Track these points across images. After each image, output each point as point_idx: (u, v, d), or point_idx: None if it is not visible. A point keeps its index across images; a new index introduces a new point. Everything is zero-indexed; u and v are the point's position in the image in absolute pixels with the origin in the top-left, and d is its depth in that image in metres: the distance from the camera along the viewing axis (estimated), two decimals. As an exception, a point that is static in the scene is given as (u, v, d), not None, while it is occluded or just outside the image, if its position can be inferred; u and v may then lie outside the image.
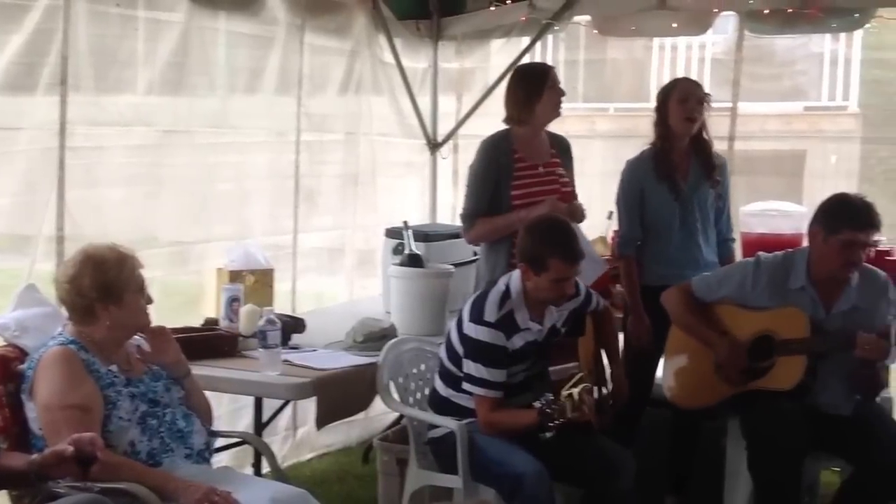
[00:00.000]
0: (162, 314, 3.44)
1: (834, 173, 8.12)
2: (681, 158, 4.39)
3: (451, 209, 6.15)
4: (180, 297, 4.78)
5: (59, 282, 3.16)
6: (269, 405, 4.21)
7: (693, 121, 4.32)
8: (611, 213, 4.71)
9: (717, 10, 5.61)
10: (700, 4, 5.56)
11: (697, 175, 4.40)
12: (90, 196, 4.23)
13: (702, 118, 4.35)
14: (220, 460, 3.78)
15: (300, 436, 5.33)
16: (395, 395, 3.92)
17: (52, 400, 2.99)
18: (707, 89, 4.47)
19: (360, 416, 5.02)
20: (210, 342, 3.95)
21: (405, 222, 4.68)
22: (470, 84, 6.48)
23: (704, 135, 4.42)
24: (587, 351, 3.90)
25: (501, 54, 6.21)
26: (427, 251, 4.68)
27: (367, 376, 3.89)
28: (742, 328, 3.91)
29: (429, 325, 4.33)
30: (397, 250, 4.73)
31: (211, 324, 4.24)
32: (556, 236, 3.60)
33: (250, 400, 4.22)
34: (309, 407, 4.39)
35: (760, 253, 4.02)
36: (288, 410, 4.94)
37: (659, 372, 4.28)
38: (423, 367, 4.05)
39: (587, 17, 6.02)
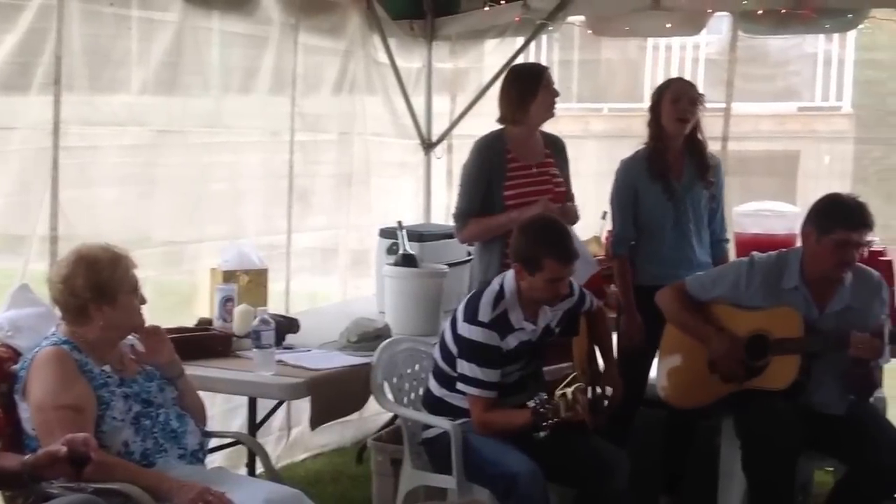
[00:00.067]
0: (156, 314, 3.44)
1: (827, 174, 8.15)
2: (675, 159, 4.40)
3: (445, 209, 6.15)
4: (174, 297, 4.77)
5: (53, 282, 3.15)
6: (263, 405, 4.21)
7: (685, 121, 4.33)
8: (605, 213, 4.72)
9: (710, 11, 5.62)
10: (694, 5, 5.56)
11: (691, 175, 4.41)
12: (84, 196, 4.22)
13: (695, 118, 4.36)
14: (213, 461, 3.78)
15: (294, 436, 5.33)
16: (390, 396, 3.92)
17: (46, 400, 2.98)
18: (701, 90, 4.48)
19: (355, 416, 5.01)
20: (204, 342, 3.94)
21: (399, 222, 4.68)
22: (464, 84, 6.48)
23: (699, 135, 4.43)
24: (581, 351, 3.90)
25: (495, 54, 6.21)
26: (421, 251, 4.68)
27: (361, 376, 3.88)
28: (736, 327, 3.91)
29: (423, 325, 4.33)
30: (391, 250, 4.73)
31: (205, 324, 4.23)
32: (550, 236, 3.60)
33: (244, 400, 4.22)
34: (303, 407, 4.38)
35: (754, 253, 4.03)
36: (282, 411, 4.94)
37: (653, 372, 4.28)
38: (417, 367, 4.05)
39: (581, 18, 6.02)
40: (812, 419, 3.74)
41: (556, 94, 4.31)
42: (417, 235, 4.82)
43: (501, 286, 3.65)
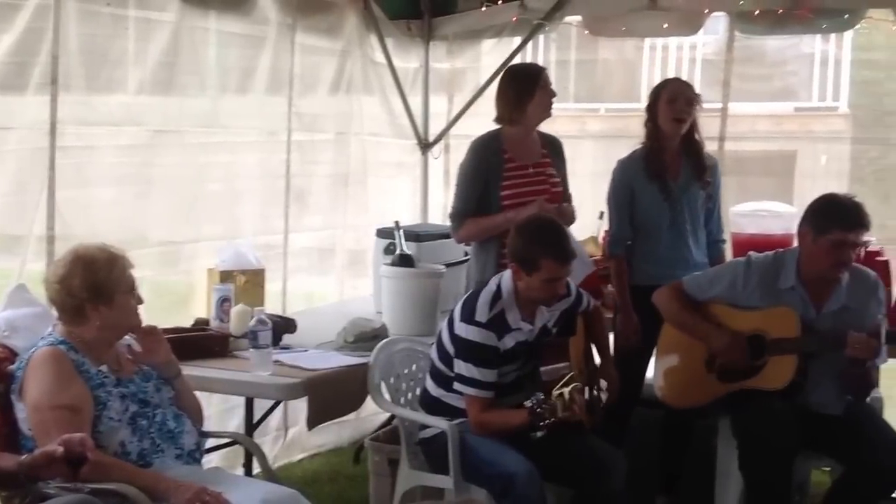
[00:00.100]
0: (152, 314, 3.44)
1: (824, 174, 8.14)
2: (672, 159, 4.40)
3: (442, 209, 6.15)
4: (171, 297, 4.77)
5: (49, 282, 3.14)
6: (260, 405, 4.21)
7: (681, 121, 4.33)
8: (602, 213, 4.72)
9: (707, 11, 5.61)
10: (691, 5, 5.56)
11: (688, 175, 4.41)
12: (80, 196, 4.22)
13: (691, 119, 4.36)
14: (210, 461, 3.78)
15: (291, 436, 5.33)
16: (387, 396, 3.92)
17: (42, 400, 2.98)
18: (698, 90, 4.48)
19: (352, 416, 5.02)
20: (201, 342, 3.94)
21: (396, 222, 4.69)
22: (461, 84, 6.48)
23: (696, 135, 4.43)
24: (578, 351, 3.91)
25: (493, 54, 6.21)
26: (418, 251, 4.68)
27: (358, 376, 3.88)
28: (733, 327, 3.92)
29: (420, 325, 4.33)
30: (388, 250, 4.73)
31: (201, 324, 4.23)
32: (547, 236, 3.60)
33: (241, 400, 4.22)
34: (300, 407, 4.38)
35: (751, 253, 4.03)
36: (279, 411, 4.93)
37: (650, 372, 4.28)
38: (414, 367, 4.05)
39: (578, 18, 6.02)
40: (809, 419, 3.75)
41: (553, 94, 4.31)
42: (414, 235, 4.82)
43: (499, 286, 3.65)
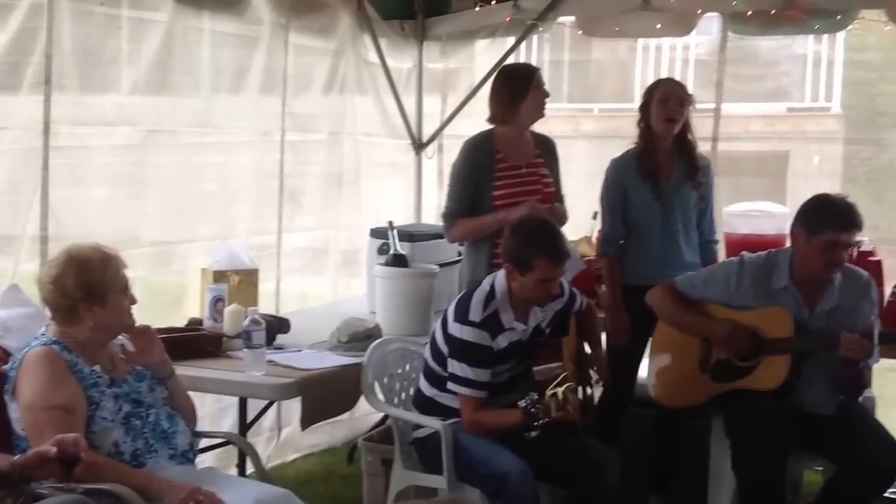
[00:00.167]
0: (146, 314, 3.43)
1: (817, 174, 8.16)
2: (665, 159, 4.41)
3: (435, 209, 6.14)
4: (164, 297, 4.77)
5: (43, 282, 3.14)
6: (254, 405, 4.21)
7: (673, 121, 4.34)
8: (595, 213, 4.73)
9: (700, 12, 5.63)
10: (683, 5, 5.58)
11: (680, 176, 4.42)
12: (74, 196, 4.22)
13: (683, 119, 4.37)
14: (204, 461, 3.78)
15: (285, 436, 5.33)
16: (380, 396, 3.92)
17: (35, 400, 2.97)
18: (691, 90, 4.50)
19: (345, 416, 5.01)
20: (194, 342, 3.94)
21: (390, 222, 4.68)
22: (455, 84, 6.48)
23: (689, 136, 4.44)
24: (571, 350, 3.91)
25: (486, 55, 6.22)
26: (412, 251, 4.68)
27: (351, 376, 3.89)
28: (727, 327, 3.93)
29: (414, 325, 4.34)
30: (382, 250, 4.73)
31: (195, 324, 4.23)
32: (541, 236, 3.60)
33: (234, 400, 4.22)
34: (293, 407, 4.38)
35: (744, 253, 4.04)
36: (272, 411, 4.93)
37: (644, 371, 4.29)
38: (407, 367, 4.05)
39: (571, 18, 6.03)
40: (802, 419, 3.76)
41: (546, 94, 4.32)
42: (408, 235, 4.83)
43: (492, 286, 3.66)
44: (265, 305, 4.66)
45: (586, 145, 6.94)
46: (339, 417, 4.83)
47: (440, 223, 4.48)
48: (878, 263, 4.56)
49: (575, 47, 7.11)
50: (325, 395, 3.84)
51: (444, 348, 3.65)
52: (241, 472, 4.03)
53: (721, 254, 4.72)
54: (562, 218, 4.28)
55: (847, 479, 3.74)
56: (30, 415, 2.97)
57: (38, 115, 3.99)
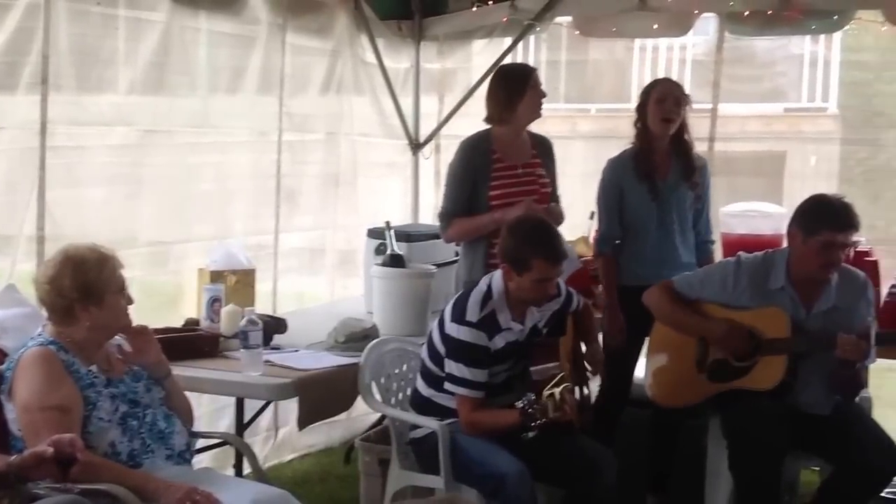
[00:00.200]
0: (142, 314, 3.43)
1: (814, 174, 8.16)
2: (661, 159, 4.41)
3: (433, 209, 6.14)
4: (161, 297, 4.76)
5: (39, 282, 3.14)
6: (251, 406, 4.21)
7: (670, 121, 4.35)
8: (592, 213, 4.73)
9: (697, 12, 5.63)
10: (680, 6, 5.58)
11: (677, 176, 4.43)
12: (71, 196, 4.22)
13: (680, 119, 4.37)
14: (200, 461, 3.78)
15: (282, 436, 5.33)
16: (377, 396, 3.92)
17: (32, 401, 2.97)
18: (688, 91, 4.50)
19: (342, 416, 5.01)
20: (191, 343, 3.94)
21: (387, 222, 4.69)
22: (452, 84, 6.48)
23: (686, 136, 4.44)
24: (568, 350, 3.91)
25: (483, 55, 6.21)
26: (409, 251, 4.68)
27: (348, 377, 3.88)
28: (723, 328, 3.93)
29: (411, 325, 4.34)
30: (379, 250, 4.73)
31: (192, 324, 4.22)
32: (538, 236, 3.60)
33: (231, 400, 4.22)
34: (290, 407, 4.38)
35: (741, 253, 4.04)
36: (269, 411, 4.93)
37: (641, 371, 4.29)
38: (405, 367, 4.05)
39: (568, 18, 6.04)
40: (798, 419, 3.76)
41: (543, 94, 4.32)
42: (405, 236, 4.83)
43: (489, 286, 3.66)
44: (262, 305, 4.66)
45: (583, 145, 6.93)
46: (336, 418, 4.83)
47: (437, 223, 4.48)
48: (875, 263, 4.57)
49: (572, 47, 7.11)
50: (322, 396, 3.84)
51: (441, 348, 3.65)
52: (238, 473, 4.04)
53: (718, 254, 4.72)
54: (558, 218, 4.29)
55: (844, 479, 3.74)
56: (26, 415, 2.97)
57: (35, 115, 3.99)
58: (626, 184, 4.40)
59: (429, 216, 6.16)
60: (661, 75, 7.41)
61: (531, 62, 6.58)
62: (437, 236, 4.69)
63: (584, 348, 3.97)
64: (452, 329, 3.60)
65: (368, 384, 3.88)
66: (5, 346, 3.25)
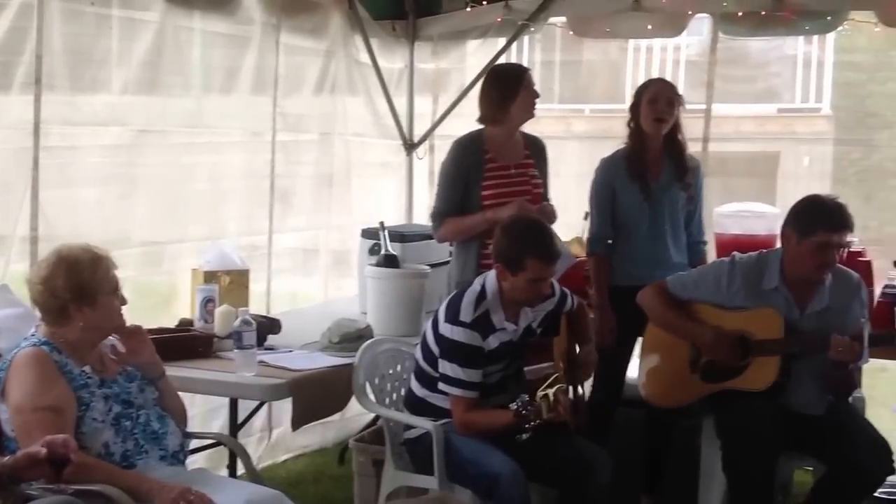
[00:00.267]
0: (136, 315, 3.42)
1: (807, 175, 8.20)
2: (654, 159, 4.42)
3: (427, 210, 6.09)
4: (154, 297, 4.76)
5: (33, 283, 3.13)
6: (245, 406, 4.20)
7: (662, 121, 4.35)
8: (587, 213, 4.73)
9: (691, 12, 5.63)
10: (674, 6, 5.58)
11: (669, 176, 4.43)
12: (64, 196, 4.21)
13: (672, 119, 4.37)
14: (194, 462, 3.77)
15: (276, 437, 5.32)
16: (371, 396, 3.92)
17: (24, 402, 2.96)
18: (681, 91, 4.50)
19: (336, 417, 5.01)
20: (185, 343, 3.93)
21: (381, 223, 4.68)
22: (446, 85, 6.48)
23: (679, 136, 4.44)
24: (562, 350, 3.91)
25: (477, 55, 6.22)
26: (403, 252, 4.68)
27: (343, 377, 3.88)
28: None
29: (405, 325, 4.33)
30: (373, 251, 4.73)
31: (186, 324, 4.22)
32: (532, 236, 3.60)
33: (225, 401, 4.21)
34: (284, 408, 4.37)
35: (735, 253, 4.04)
36: (263, 411, 4.93)
37: (635, 372, 4.29)
38: (399, 367, 4.05)
39: (563, 19, 6.03)
40: (792, 419, 3.76)
41: (536, 95, 4.32)
42: (399, 236, 4.82)
43: (483, 286, 3.66)
44: (256, 306, 4.65)
45: (578, 146, 6.95)
46: (330, 418, 4.83)
47: (430, 223, 4.48)
48: (868, 264, 4.58)
49: (566, 48, 7.12)
50: (316, 396, 3.83)
51: (435, 349, 3.65)
52: (232, 473, 4.03)
53: (711, 254, 4.72)
54: (551, 216, 4.28)
55: (837, 479, 3.75)
56: (19, 416, 2.96)
57: (29, 115, 3.98)
58: (619, 184, 4.40)
59: (423, 216, 6.15)
60: (655, 76, 7.42)
61: (525, 62, 6.59)
62: (431, 237, 4.68)
63: (578, 349, 3.97)
64: (446, 329, 3.60)
65: (362, 385, 3.88)
66: (-2, 346, 3.24)
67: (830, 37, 8.20)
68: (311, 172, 5.69)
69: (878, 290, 4.49)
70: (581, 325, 3.98)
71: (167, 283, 4.81)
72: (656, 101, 4.34)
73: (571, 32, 6.17)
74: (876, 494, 4.00)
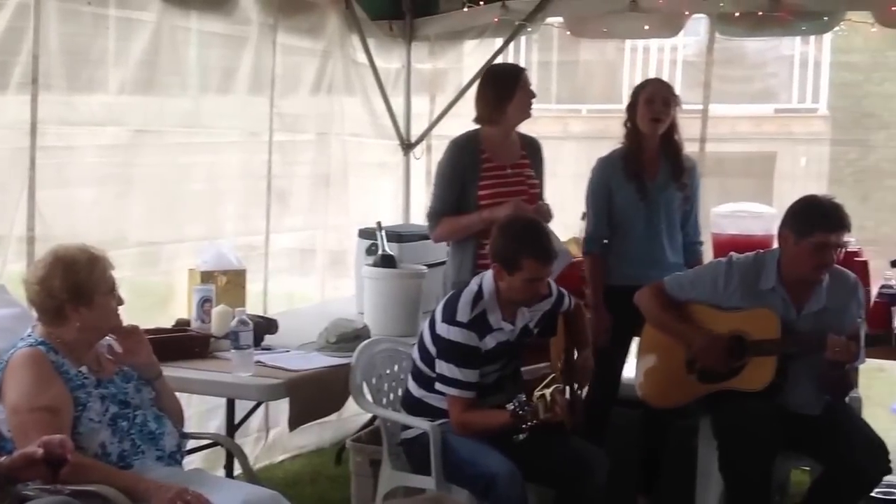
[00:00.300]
0: (133, 315, 3.42)
1: (804, 175, 8.21)
2: (650, 159, 4.42)
3: (424, 210, 6.11)
4: (151, 297, 4.75)
5: (29, 283, 3.13)
6: (242, 406, 4.20)
7: (658, 121, 4.35)
8: (584, 213, 4.73)
9: (688, 13, 5.64)
10: (671, 6, 5.58)
11: (666, 176, 4.43)
12: (61, 196, 4.21)
13: (669, 119, 4.38)
14: (191, 462, 3.77)
15: (272, 437, 5.32)
16: (368, 396, 3.92)
17: (21, 402, 2.96)
18: (678, 91, 4.50)
19: (333, 417, 5.01)
20: (182, 343, 3.93)
21: (378, 223, 4.68)
22: (443, 85, 6.48)
23: (676, 137, 4.45)
24: (559, 350, 3.91)
25: (474, 55, 6.22)
26: (400, 252, 4.68)
27: (340, 377, 3.88)
28: (715, 329, 3.93)
29: (402, 325, 4.33)
30: (370, 251, 4.72)
31: (182, 325, 4.22)
32: (529, 236, 3.60)
33: (221, 401, 4.21)
34: (281, 408, 4.37)
35: (732, 253, 4.05)
36: (260, 412, 4.93)
37: (632, 372, 4.30)
38: (396, 367, 4.05)
39: (560, 19, 6.03)
40: (788, 419, 3.77)
41: (532, 95, 4.32)
42: (396, 236, 4.82)
43: (480, 286, 3.66)
44: (253, 306, 4.65)
45: (575, 146, 6.95)
46: (327, 418, 4.83)
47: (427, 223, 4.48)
48: (865, 264, 4.58)
49: (563, 48, 7.13)
50: (313, 396, 3.83)
51: (431, 349, 3.65)
52: (229, 474, 4.03)
53: (708, 254, 4.73)
54: (546, 215, 4.28)
55: (834, 479, 3.75)
56: (15, 416, 2.96)
57: (25, 115, 3.98)
58: (615, 183, 4.41)
59: (420, 217, 6.14)
60: (651, 76, 7.42)
61: (522, 63, 6.60)
62: (428, 237, 4.69)
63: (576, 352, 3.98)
64: (443, 329, 3.60)
65: (360, 385, 3.88)
66: (-5, 347, 3.24)
67: (827, 37, 8.21)
68: (307, 172, 5.68)
69: (874, 291, 4.49)
70: (578, 325, 3.98)
71: (164, 283, 4.81)
72: (653, 101, 4.35)
73: (568, 33, 6.17)
74: (872, 494, 4.01)
